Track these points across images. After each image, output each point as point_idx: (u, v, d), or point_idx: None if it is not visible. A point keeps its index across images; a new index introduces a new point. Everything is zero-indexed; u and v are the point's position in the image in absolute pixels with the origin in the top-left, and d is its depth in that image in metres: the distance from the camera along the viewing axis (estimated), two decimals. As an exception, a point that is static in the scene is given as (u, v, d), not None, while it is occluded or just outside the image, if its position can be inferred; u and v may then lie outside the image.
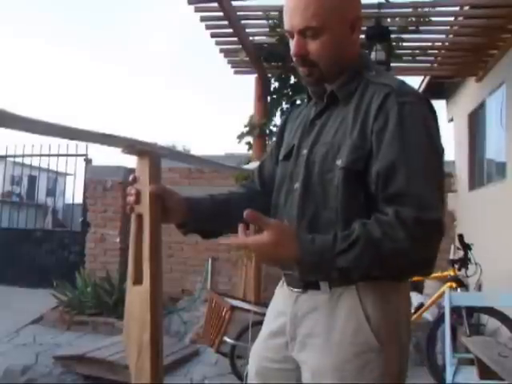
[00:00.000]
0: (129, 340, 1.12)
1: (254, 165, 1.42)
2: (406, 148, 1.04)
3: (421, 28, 4.06)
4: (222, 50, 4.69)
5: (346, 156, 1.08)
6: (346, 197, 1.08)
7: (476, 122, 5.54)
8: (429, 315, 3.87)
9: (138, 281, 1.11)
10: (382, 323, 1.08)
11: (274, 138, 1.47)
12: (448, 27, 4.26)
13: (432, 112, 1.12)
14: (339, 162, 1.09)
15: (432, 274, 1.09)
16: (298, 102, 1.45)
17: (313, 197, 1.14)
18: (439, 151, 1.09)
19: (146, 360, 1.06)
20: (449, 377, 2.81)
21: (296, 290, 1.18)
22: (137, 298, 1.10)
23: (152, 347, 1.06)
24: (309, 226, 1.13)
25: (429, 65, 5.08)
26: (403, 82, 1.13)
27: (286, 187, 1.23)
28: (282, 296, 1.25)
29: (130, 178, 1.16)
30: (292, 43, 1.17)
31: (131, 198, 1.15)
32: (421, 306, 3.68)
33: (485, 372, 2.33)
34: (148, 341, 1.06)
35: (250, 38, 4.37)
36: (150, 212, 1.11)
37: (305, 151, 1.19)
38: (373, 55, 3.67)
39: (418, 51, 4.62)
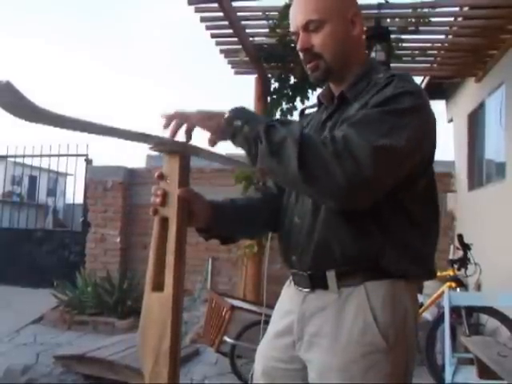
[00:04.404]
0: (144, 346, 1.08)
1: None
2: (373, 111, 1.04)
3: (420, 28, 4.06)
4: (222, 51, 4.71)
5: None
6: None
7: (475, 122, 5.54)
8: (428, 315, 3.88)
9: (158, 287, 1.07)
10: (389, 324, 1.08)
11: None
12: (447, 28, 4.26)
13: (427, 109, 1.10)
14: None
15: (350, 201, 1.01)
16: (307, 111, 1.46)
17: None
18: (416, 125, 1.04)
19: (164, 368, 1.02)
20: (448, 377, 2.82)
21: (304, 289, 1.19)
22: (156, 304, 1.06)
23: (171, 355, 1.02)
24: (325, 220, 1.13)
25: (428, 65, 5.09)
26: (407, 74, 1.15)
27: None
28: (290, 295, 1.26)
29: (156, 175, 1.10)
30: (298, 41, 1.21)
31: (157, 200, 1.08)
32: (420, 305, 3.68)
33: (484, 372, 2.33)
34: (167, 349, 1.02)
35: (250, 39, 4.38)
36: (178, 217, 1.06)
37: None
38: (373, 55, 3.67)
39: (417, 52, 4.63)
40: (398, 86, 1.08)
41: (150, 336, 1.06)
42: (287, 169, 0.98)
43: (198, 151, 1.13)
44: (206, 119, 1.08)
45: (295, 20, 1.20)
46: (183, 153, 1.09)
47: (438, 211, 1.20)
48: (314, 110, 1.38)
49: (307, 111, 1.44)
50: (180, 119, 1.08)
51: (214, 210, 1.19)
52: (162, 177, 1.10)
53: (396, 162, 1.01)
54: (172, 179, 1.08)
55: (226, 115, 1.06)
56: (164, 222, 1.08)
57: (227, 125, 1.05)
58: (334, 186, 0.97)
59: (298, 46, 1.20)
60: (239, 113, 1.07)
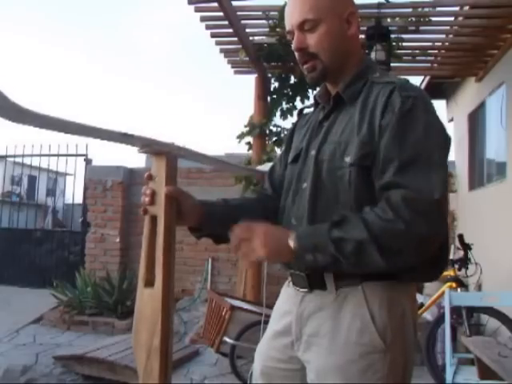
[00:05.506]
0: (137, 342, 1.10)
1: (268, 166, 1.43)
2: (402, 141, 1.05)
3: (421, 28, 4.06)
4: (222, 50, 4.70)
5: (354, 153, 1.10)
6: (358, 192, 1.09)
7: (476, 121, 5.54)
8: (429, 315, 3.87)
9: (149, 283, 1.09)
10: (387, 324, 1.08)
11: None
12: (448, 27, 4.26)
13: (431, 106, 1.13)
14: (348, 159, 1.11)
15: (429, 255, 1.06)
16: (306, 111, 1.47)
17: (323, 194, 1.15)
18: (439, 140, 1.09)
19: (155, 363, 1.04)
20: (449, 377, 2.82)
21: (302, 289, 1.19)
22: (148, 300, 1.09)
23: (162, 350, 1.04)
24: (320, 222, 1.12)
25: (429, 65, 5.09)
26: (406, 80, 1.16)
27: (294, 188, 1.24)
28: (288, 296, 1.26)
29: (145, 176, 1.14)
30: (293, 41, 1.21)
31: (146, 199, 1.12)
32: (421, 305, 3.68)
33: (485, 372, 2.33)
34: (158, 344, 1.04)
35: (250, 38, 4.38)
36: (165, 214, 1.09)
37: (313, 152, 1.21)
38: (373, 55, 3.67)
39: (417, 51, 4.63)
40: (406, 101, 1.08)
41: (143, 332, 1.08)
42: (373, 266, 1.03)
43: (184, 152, 1.15)
44: (274, 255, 1.08)
45: (290, 19, 1.20)
46: (169, 154, 1.12)
47: None
48: (312, 109, 1.38)
49: (305, 111, 1.44)
50: (247, 249, 1.08)
51: (204, 209, 1.20)
52: (150, 177, 1.13)
53: (441, 178, 1.05)
54: (159, 179, 1.11)
55: (293, 246, 1.05)
56: (153, 220, 1.11)
57: (299, 260, 1.06)
58: (418, 254, 1.04)
59: (293, 46, 1.20)
60: (303, 242, 1.05)
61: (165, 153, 1.11)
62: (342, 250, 1.01)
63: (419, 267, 1.09)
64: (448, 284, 3.47)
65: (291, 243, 1.05)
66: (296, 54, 1.21)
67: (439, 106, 7.00)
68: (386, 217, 1.01)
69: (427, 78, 5.72)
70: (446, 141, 1.11)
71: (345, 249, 1.01)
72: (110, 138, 1.01)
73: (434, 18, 4.01)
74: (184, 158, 1.18)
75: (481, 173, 5.28)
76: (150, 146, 1.10)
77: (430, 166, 1.04)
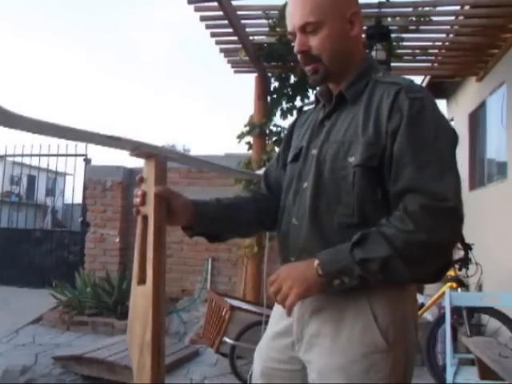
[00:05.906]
0: (132, 339, 1.12)
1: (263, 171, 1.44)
2: (415, 145, 1.05)
3: (421, 27, 4.06)
4: (221, 50, 4.70)
5: (360, 153, 1.09)
6: (362, 193, 1.09)
7: (476, 121, 5.53)
8: (429, 315, 3.87)
9: (142, 281, 1.12)
10: (389, 323, 1.09)
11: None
12: (448, 27, 4.26)
13: (437, 105, 1.15)
14: (352, 160, 1.10)
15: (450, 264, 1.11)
16: (305, 108, 1.46)
17: (325, 194, 1.14)
18: (449, 140, 1.10)
19: (148, 359, 1.05)
20: (449, 377, 2.81)
21: None
22: (141, 297, 1.11)
23: (153, 345, 1.05)
24: (322, 222, 1.13)
25: (429, 64, 5.08)
26: (411, 80, 1.16)
27: (294, 187, 1.24)
28: None
29: (137, 179, 1.17)
30: (295, 43, 1.20)
31: (137, 200, 1.15)
32: (421, 306, 3.67)
33: (485, 372, 2.33)
34: (150, 339, 1.06)
35: (250, 38, 4.37)
36: (155, 213, 1.12)
37: (314, 151, 1.20)
38: (373, 55, 3.66)
39: (418, 51, 4.62)
40: (414, 103, 1.08)
41: (136, 328, 1.10)
42: (398, 278, 1.05)
43: (173, 155, 1.18)
44: (306, 292, 1.07)
45: (292, 20, 1.18)
46: (158, 156, 1.15)
47: None
48: (312, 106, 1.37)
49: (305, 108, 1.44)
50: (281, 297, 1.09)
51: (194, 209, 1.21)
52: (142, 180, 1.16)
53: (456, 181, 1.07)
54: (149, 180, 1.15)
55: (320, 272, 1.04)
56: (145, 219, 1.15)
57: (327, 287, 1.06)
58: (440, 260, 1.08)
59: (296, 49, 1.19)
60: (328, 268, 1.04)
61: (154, 155, 1.14)
62: (368, 270, 1.02)
63: None
64: (448, 284, 3.46)
65: (317, 272, 1.05)
66: (298, 55, 1.20)
67: (439, 105, 6.99)
68: (406, 228, 1.01)
69: (428, 77, 5.72)
70: (455, 140, 1.12)
71: (371, 268, 1.02)
72: (96, 141, 1.03)
73: (434, 18, 4.01)
74: (174, 160, 1.22)
75: (481, 173, 5.27)
76: (139, 149, 1.13)
77: (443, 169, 1.04)
